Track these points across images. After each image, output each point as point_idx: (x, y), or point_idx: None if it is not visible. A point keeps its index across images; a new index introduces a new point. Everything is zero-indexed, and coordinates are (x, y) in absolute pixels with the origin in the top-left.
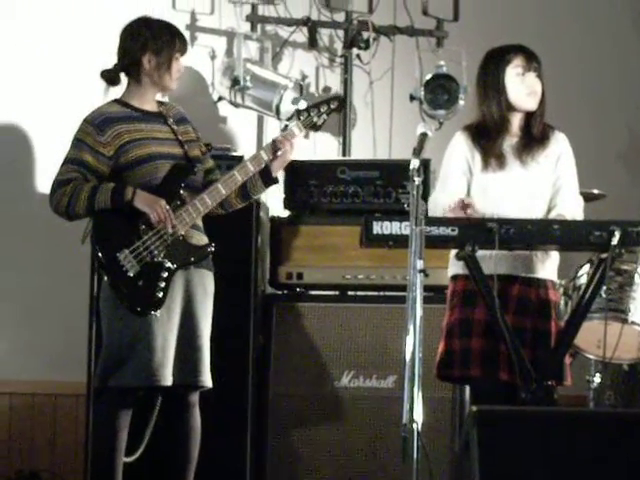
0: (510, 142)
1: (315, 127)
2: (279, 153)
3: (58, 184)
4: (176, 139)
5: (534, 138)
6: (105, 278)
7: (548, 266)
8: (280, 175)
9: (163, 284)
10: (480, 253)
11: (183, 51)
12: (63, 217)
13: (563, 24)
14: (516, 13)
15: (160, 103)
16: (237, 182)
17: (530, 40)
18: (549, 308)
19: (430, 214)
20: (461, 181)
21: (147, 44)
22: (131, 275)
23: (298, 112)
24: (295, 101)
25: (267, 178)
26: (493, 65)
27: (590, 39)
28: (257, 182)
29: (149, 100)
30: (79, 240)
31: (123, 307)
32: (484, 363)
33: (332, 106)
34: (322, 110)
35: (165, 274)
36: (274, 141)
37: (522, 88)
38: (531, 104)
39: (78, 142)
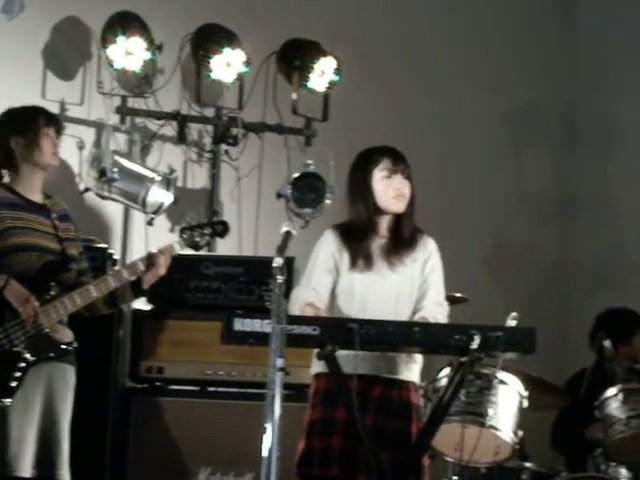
0: (378, 243)
1: (196, 247)
2: (153, 267)
3: None
4: (56, 235)
5: (402, 240)
6: None
7: (411, 368)
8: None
9: (18, 374)
10: (344, 352)
11: (52, 125)
12: None
13: (432, 129)
14: (385, 115)
15: (47, 196)
16: (109, 287)
17: (398, 142)
18: (410, 410)
19: (291, 307)
20: (325, 278)
21: (10, 128)
22: None
23: (182, 230)
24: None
25: (137, 289)
26: (361, 167)
27: (460, 148)
28: (127, 292)
29: (35, 188)
30: None
31: None
32: (343, 463)
33: (216, 230)
34: (205, 232)
35: (22, 364)
36: (151, 255)
37: (389, 191)
38: (398, 207)
39: None
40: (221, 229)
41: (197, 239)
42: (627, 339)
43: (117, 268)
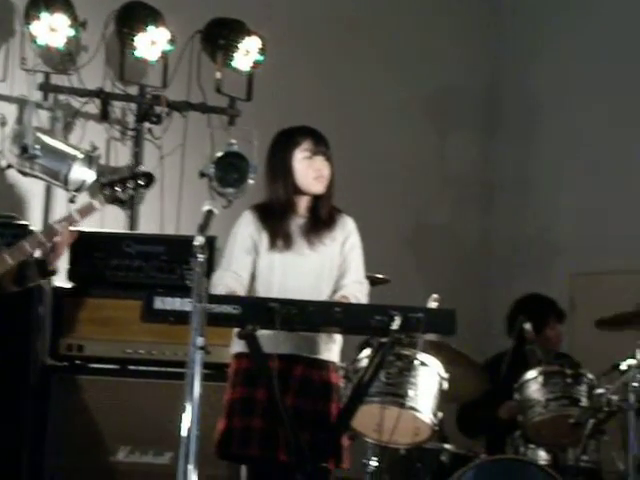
0: (297, 223)
1: (119, 202)
2: (56, 239)
3: None
4: None
5: (321, 220)
6: None
7: (331, 348)
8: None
9: None
10: (264, 331)
11: None
12: None
13: (356, 111)
14: (309, 95)
15: None
16: (25, 252)
17: (322, 123)
18: (330, 390)
19: (213, 290)
20: (245, 260)
21: None
22: None
23: (102, 185)
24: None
25: (43, 268)
26: (281, 147)
27: (383, 130)
28: (33, 270)
29: None
30: None
31: None
32: (263, 443)
33: (140, 182)
34: (129, 185)
35: None
36: (50, 226)
37: (310, 172)
38: (318, 188)
39: None
40: (145, 181)
41: (120, 194)
42: (542, 327)
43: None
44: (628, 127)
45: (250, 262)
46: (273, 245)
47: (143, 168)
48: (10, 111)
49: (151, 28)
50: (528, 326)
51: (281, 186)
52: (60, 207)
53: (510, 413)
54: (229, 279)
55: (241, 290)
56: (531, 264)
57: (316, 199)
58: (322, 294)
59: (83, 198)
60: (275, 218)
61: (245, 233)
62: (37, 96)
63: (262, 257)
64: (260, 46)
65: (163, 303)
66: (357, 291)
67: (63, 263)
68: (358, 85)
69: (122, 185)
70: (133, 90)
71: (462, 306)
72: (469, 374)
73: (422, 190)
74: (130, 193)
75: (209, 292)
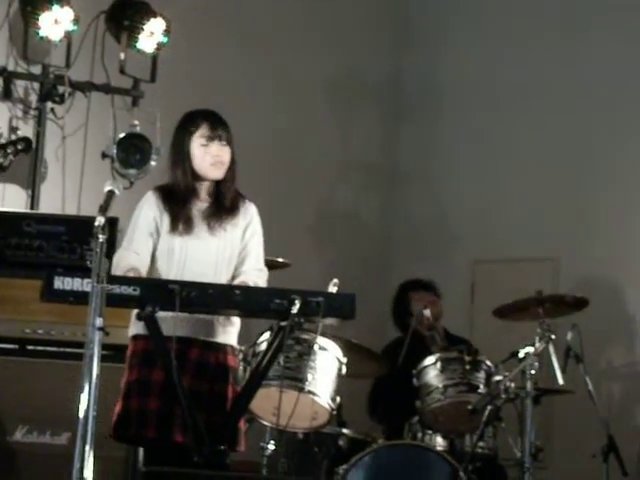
0: (199, 207)
1: (1, 168)
2: None
3: None
4: None
5: (223, 206)
6: None
7: (229, 331)
8: None
9: None
10: (162, 314)
11: None
12: None
13: (260, 94)
14: (212, 78)
15: None
16: None
17: (225, 106)
18: (227, 373)
19: (113, 271)
20: (146, 241)
21: None
22: None
23: None
24: None
25: None
26: (181, 131)
27: (287, 114)
28: None
29: None
30: None
31: None
32: (160, 425)
33: (19, 147)
34: (8, 151)
35: None
36: None
37: (206, 158)
38: (215, 174)
39: None
40: (24, 145)
41: (0, 160)
42: (407, 302)
43: None
44: (528, 115)
45: (151, 243)
46: (174, 228)
47: (20, 133)
48: None
49: (56, 7)
50: (427, 312)
51: (180, 171)
52: None
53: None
54: (131, 259)
55: (143, 270)
56: (433, 250)
57: (218, 184)
58: (221, 279)
59: None
60: (177, 201)
61: (147, 214)
62: None
63: (163, 239)
64: (164, 28)
65: (63, 283)
66: (257, 277)
67: None
68: (262, 68)
69: (2, 151)
70: (36, 69)
71: (363, 291)
72: (367, 359)
73: (325, 175)
74: (11, 159)
75: (109, 273)
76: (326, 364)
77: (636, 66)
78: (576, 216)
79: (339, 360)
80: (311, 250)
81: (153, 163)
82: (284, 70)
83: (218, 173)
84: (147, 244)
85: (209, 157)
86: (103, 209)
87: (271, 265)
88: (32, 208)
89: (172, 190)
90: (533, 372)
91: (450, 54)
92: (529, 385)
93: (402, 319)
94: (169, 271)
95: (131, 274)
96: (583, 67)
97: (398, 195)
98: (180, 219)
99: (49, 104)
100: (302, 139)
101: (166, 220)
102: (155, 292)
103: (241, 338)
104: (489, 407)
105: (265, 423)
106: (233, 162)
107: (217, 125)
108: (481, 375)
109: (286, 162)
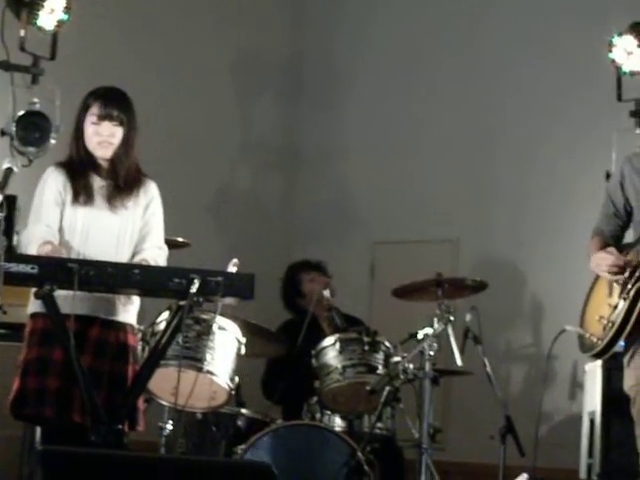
0: (99, 184)
1: None
2: None
3: None
4: None
5: (122, 184)
6: None
7: (129, 310)
8: None
9: None
10: (62, 292)
11: None
12: None
13: (159, 74)
14: (113, 56)
15: None
16: None
17: (125, 85)
18: (127, 352)
19: (25, 247)
20: (54, 213)
21: None
22: None
23: None
24: None
25: None
26: (81, 108)
27: (186, 94)
28: None
29: None
30: None
31: None
32: (58, 403)
33: None
34: None
35: None
36: None
37: (94, 137)
38: (102, 153)
39: None
40: None
41: None
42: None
43: None
44: (426, 96)
45: (58, 215)
46: (76, 200)
47: None
48: None
49: None
50: (327, 293)
51: (75, 147)
52: None
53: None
54: (43, 232)
55: (55, 242)
56: (333, 231)
57: (113, 163)
58: (123, 256)
59: None
60: (78, 176)
61: (52, 187)
62: None
63: (67, 211)
64: (65, 5)
65: None
66: (157, 256)
67: None
68: (161, 48)
69: None
70: None
71: (263, 272)
72: (265, 340)
73: (226, 155)
74: None
75: (8, 251)
76: (225, 344)
77: (531, 36)
78: (476, 198)
79: (238, 340)
80: (211, 230)
81: (52, 141)
82: (185, 50)
83: (105, 152)
84: (55, 216)
85: (96, 137)
86: (1, 187)
87: (171, 244)
88: None
89: (71, 164)
90: (432, 353)
91: (350, 35)
92: (427, 366)
93: (293, 300)
94: (72, 244)
95: (48, 247)
96: (479, 42)
97: (299, 176)
98: (81, 194)
99: None
100: (203, 119)
101: (69, 192)
102: (53, 270)
103: (140, 317)
104: (387, 388)
105: (163, 403)
106: (127, 142)
107: (110, 104)
108: (380, 356)
109: (187, 142)
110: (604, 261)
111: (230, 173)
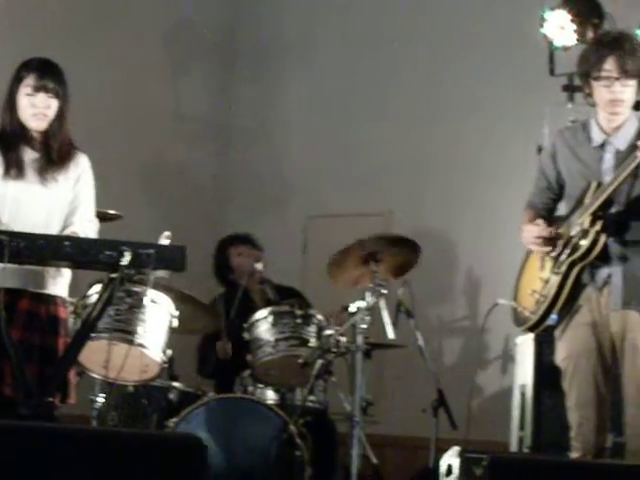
0: (31, 156)
1: None
2: None
3: None
4: None
5: (53, 157)
6: None
7: (59, 282)
8: None
9: None
10: None
11: None
12: None
13: (92, 44)
14: (46, 27)
15: None
16: None
17: (59, 56)
18: (58, 325)
19: None
20: None
21: None
22: None
23: None
24: None
25: None
26: (14, 78)
27: (118, 65)
28: None
29: None
30: None
31: None
32: None
33: None
34: None
35: None
36: None
37: (28, 108)
38: (36, 125)
39: None
40: None
41: None
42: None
43: None
44: (360, 70)
45: None
46: (6, 172)
47: None
48: None
49: None
50: (259, 266)
51: (8, 118)
52: None
53: (224, 352)
54: None
55: None
56: (267, 205)
57: (46, 136)
58: (53, 229)
59: None
60: (9, 147)
61: None
62: None
63: None
64: None
65: None
66: (87, 228)
67: None
68: (93, 16)
69: None
70: None
71: (196, 245)
72: (199, 313)
73: (158, 127)
74: None
75: None
76: (157, 317)
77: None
78: (407, 171)
79: (170, 313)
80: (143, 202)
81: None
82: (118, 21)
83: (39, 124)
84: None
85: (31, 108)
86: None
87: (102, 217)
88: None
89: (2, 136)
90: (364, 326)
91: (287, 6)
92: (360, 339)
93: (224, 275)
94: (1, 217)
95: None
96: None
97: (232, 149)
98: (12, 166)
99: None
100: (136, 91)
101: (0, 165)
102: None
103: (72, 290)
104: (320, 361)
105: (95, 376)
106: (61, 115)
107: (45, 76)
108: (312, 329)
109: (119, 114)
110: (530, 233)
111: (162, 145)
